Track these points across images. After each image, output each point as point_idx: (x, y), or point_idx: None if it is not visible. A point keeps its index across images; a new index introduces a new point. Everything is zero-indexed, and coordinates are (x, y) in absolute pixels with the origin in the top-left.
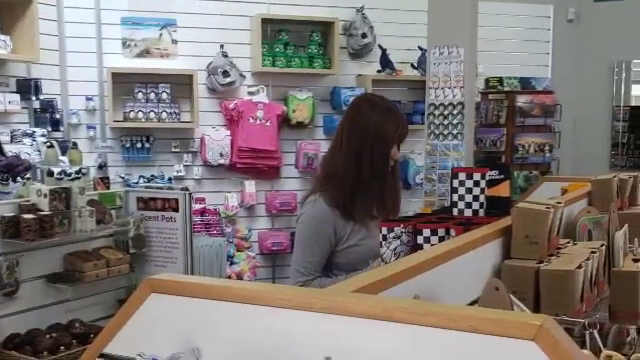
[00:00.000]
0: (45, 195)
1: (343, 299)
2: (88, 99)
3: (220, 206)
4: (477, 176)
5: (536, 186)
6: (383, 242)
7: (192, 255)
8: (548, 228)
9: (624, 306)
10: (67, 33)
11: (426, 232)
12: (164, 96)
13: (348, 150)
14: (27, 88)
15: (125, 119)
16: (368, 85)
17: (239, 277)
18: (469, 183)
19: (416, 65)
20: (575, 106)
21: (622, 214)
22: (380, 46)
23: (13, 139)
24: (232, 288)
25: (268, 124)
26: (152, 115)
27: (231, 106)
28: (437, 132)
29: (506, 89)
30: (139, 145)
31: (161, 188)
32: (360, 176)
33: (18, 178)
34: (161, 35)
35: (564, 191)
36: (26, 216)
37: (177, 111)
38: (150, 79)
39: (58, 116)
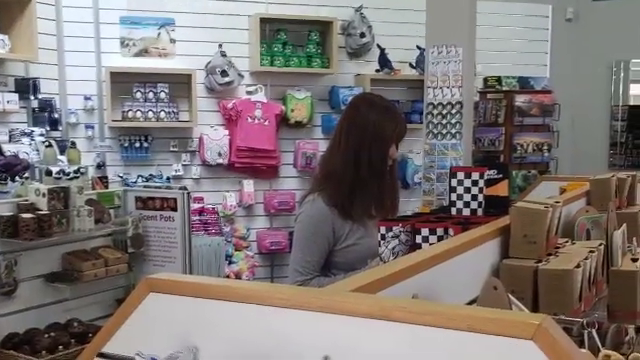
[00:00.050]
0: (43, 194)
1: (341, 298)
2: (86, 98)
3: (218, 205)
4: (475, 175)
5: (534, 185)
6: (381, 241)
7: (190, 254)
8: (546, 227)
9: (622, 305)
10: (65, 32)
11: (424, 231)
12: (162, 95)
13: (347, 149)
14: (25, 87)
15: (123, 118)
16: (366, 84)
17: (237, 276)
18: (467, 182)
19: (414, 64)
20: (573, 105)
21: (620, 213)
22: (378, 45)
23: (11, 138)
24: (230, 287)
25: (266, 123)
26: (150, 114)
27: (229, 105)
28: (436, 131)
29: (504, 88)
30: (137, 144)
31: (159, 187)
32: (358, 175)
33: (16, 177)
34: (159, 34)
35: (562, 190)
36: (24, 215)
37: (175, 110)
38: (148, 78)
39: (56, 115)
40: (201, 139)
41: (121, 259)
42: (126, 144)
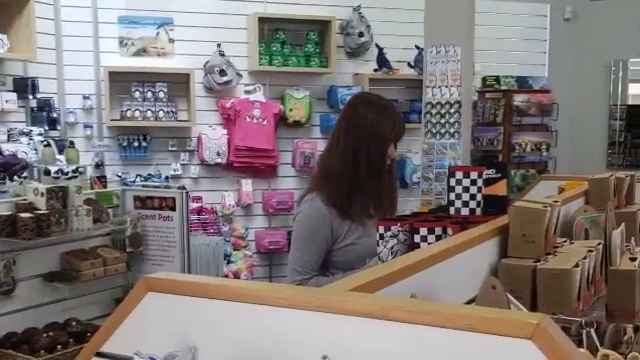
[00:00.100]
0: (42, 194)
1: (340, 298)
2: (85, 98)
3: (217, 205)
4: (474, 175)
5: (533, 185)
6: (380, 241)
7: (189, 254)
8: (545, 227)
9: (621, 305)
10: (64, 32)
11: (423, 231)
12: (161, 95)
13: (345, 149)
14: (24, 87)
15: (122, 118)
16: (365, 84)
17: (236, 276)
18: (466, 182)
19: (413, 64)
20: (572, 105)
21: (619, 213)
22: (377, 45)
23: (10, 138)
24: (229, 287)
25: (265, 123)
26: (149, 114)
27: (228, 105)
28: (434, 131)
29: (503, 88)
30: (136, 144)
31: (158, 187)
32: (357, 175)
33: (15, 177)
34: (158, 34)
35: (561, 190)
36: (23, 215)
37: (174, 110)
38: (147, 78)
39: (55, 115)
40: (200, 138)
41: (119, 258)
42: (125, 143)
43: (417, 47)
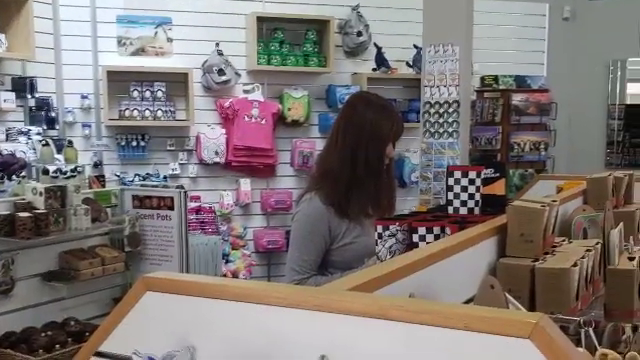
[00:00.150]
0: (40, 193)
1: (338, 297)
2: (83, 97)
3: (215, 204)
4: (472, 174)
5: (531, 184)
6: (378, 240)
7: (187, 253)
8: (543, 226)
9: (619, 304)
10: (62, 31)
11: (421, 230)
12: (159, 94)
13: (343, 148)
14: (22, 86)
15: (120, 117)
16: (363, 83)
17: (234, 275)
18: (464, 181)
19: (411, 63)
20: (570, 104)
21: (617, 212)
22: (375, 44)
23: (8, 137)
24: (227, 286)
25: (263, 122)
26: (147, 113)
27: (226, 104)
28: (432, 130)
29: (501, 87)
30: (134, 143)
31: (156, 186)
32: (355, 174)
33: (13, 176)
34: (156, 33)
35: (559, 189)
36: (21, 214)
37: (172, 109)
38: (145, 77)
39: (53, 114)
40: (198, 138)
41: (118, 258)
42: (123, 143)
43: (415, 46)
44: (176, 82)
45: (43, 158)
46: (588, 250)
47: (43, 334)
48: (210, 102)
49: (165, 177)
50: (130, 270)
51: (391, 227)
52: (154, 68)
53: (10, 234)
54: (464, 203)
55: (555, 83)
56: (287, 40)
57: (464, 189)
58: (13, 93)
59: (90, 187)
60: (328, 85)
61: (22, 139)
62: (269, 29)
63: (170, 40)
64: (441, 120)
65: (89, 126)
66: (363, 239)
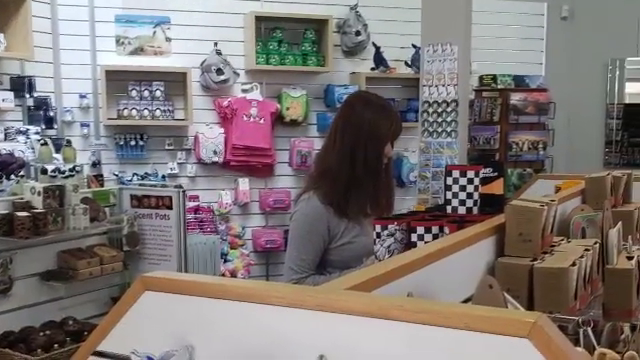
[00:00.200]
0: (39, 193)
1: (337, 297)
2: (82, 97)
3: (214, 204)
4: (471, 174)
5: (530, 184)
6: (377, 240)
7: (186, 253)
8: (542, 226)
9: (618, 304)
10: (61, 31)
11: (420, 230)
12: (158, 94)
13: (342, 148)
14: (21, 86)
15: (119, 117)
16: (362, 83)
17: (233, 275)
18: (463, 181)
19: (410, 63)
20: (569, 104)
21: (616, 212)
22: (374, 44)
23: (7, 137)
24: (226, 286)
25: (262, 122)
26: (146, 113)
27: (225, 104)
28: (431, 130)
29: (500, 87)
30: (133, 143)
31: (155, 186)
32: (354, 174)
33: (12, 176)
34: (155, 33)
35: (558, 189)
36: (20, 214)
37: (171, 109)
38: (144, 77)
39: (52, 114)
40: (196, 137)
41: (116, 257)
42: (121, 142)
43: (414, 46)
44: (174, 81)
45: (41, 157)
46: (587, 250)
47: (41, 333)
48: (208, 101)
49: (163, 176)
50: (128, 269)
51: (389, 226)
52: (152, 67)
53: (8, 233)
54: (462, 202)
55: (553, 82)
56: (285, 39)
57: (462, 188)
58: (11, 92)
59: (88, 186)
60: (326, 84)
61: (20, 138)
62: (267, 28)
63: (168, 39)
64: (439, 119)
65: (87, 125)
66: (361, 238)
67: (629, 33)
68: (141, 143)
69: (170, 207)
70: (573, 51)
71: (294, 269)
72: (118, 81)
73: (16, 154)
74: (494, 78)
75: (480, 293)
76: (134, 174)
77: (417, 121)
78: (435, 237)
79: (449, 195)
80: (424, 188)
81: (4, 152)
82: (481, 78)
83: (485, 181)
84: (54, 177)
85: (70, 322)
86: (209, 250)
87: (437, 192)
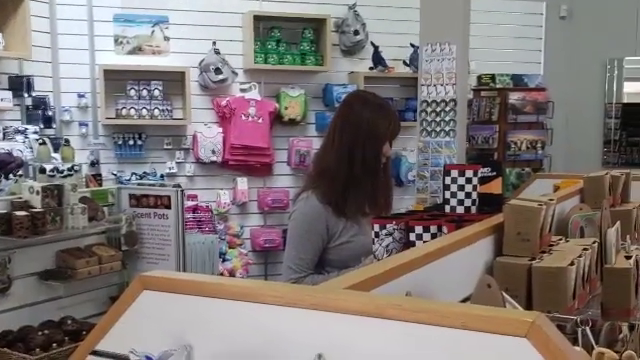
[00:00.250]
0: (37, 192)
1: (335, 296)
2: (80, 96)
3: (212, 203)
4: (469, 173)
5: (528, 183)
6: (375, 239)
7: (184, 252)
8: (540, 225)
9: (616, 303)
10: (59, 30)
11: (418, 229)
12: (156, 93)
13: (340, 147)
14: (19, 85)
15: (117, 116)
16: (360, 82)
17: (231, 274)
18: (461, 180)
19: (408, 62)
20: (567, 103)
21: (614, 211)
22: (372, 43)
23: (5, 136)
24: (224, 285)
25: (260, 121)
26: (144, 112)
27: (223, 103)
28: (429, 129)
29: (498, 86)
30: (131, 142)
31: (153, 185)
32: (352, 173)
33: (10, 175)
34: (153, 32)
35: (556, 188)
36: (18, 213)
37: (169, 108)
38: (142, 76)
39: (50, 113)
40: (195, 137)
41: (115, 257)
42: (120, 142)
43: (412, 45)
44: (173, 81)
45: (40, 157)
46: (585, 249)
47: (40, 333)
48: (207, 101)
49: (162, 176)
50: (127, 269)
51: (388, 226)
52: (151, 67)
53: (7, 233)
54: (461, 202)
55: (552, 82)
56: (284, 39)
57: (461, 188)
58: (10, 92)
59: (87, 186)
60: (325, 84)
61: (19, 138)
62: (266, 28)
63: (167, 39)
64: (438, 119)
65: (86, 125)
66: (360, 238)
67: (628, 33)
68: (139, 142)
69: (168, 206)
70: (572, 50)
71: (293, 268)
72: (116, 80)
73: (14, 153)
74: (492, 77)
75: (478, 292)
76: (132, 173)
77: (415, 120)
78: (433, 236)
79: (447, 194)
80: (422, 187)
81: (2, 151)
82: (479, 77)
83: (483, 180)
84: (52, 176)
85: (69, 321)
86: (207, 249)
87: (435, 191)
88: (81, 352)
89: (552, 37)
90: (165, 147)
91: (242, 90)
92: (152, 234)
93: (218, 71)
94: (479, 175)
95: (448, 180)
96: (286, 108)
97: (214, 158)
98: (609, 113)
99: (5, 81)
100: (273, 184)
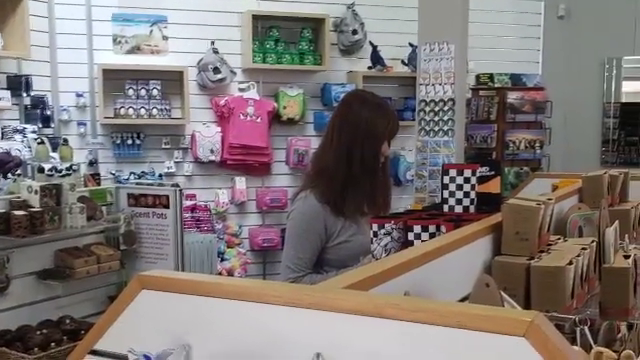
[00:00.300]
0: (36, 191)
1: (334, 295)
2: (79, 95)
3: (211, 202)
4: (468, 172)
5: (527, 182)
6: (374, 238)
7: (183, 251)
8: (539, 224)
9: (615, 302)
10: (58, 29)
11: (417, 228)
12: (155, 92)
13: (339, 146)
14: (18, 84)
15: (116, 115)
16: (359, 81)
17: (230, 273)
18: (460, 179)
19: (407, 61)
20: (566, 102)
21: (613, 210)
22: (371, 42)
23: (4, 135)
24: (223, 285)
25: (259, 120)
26: (143, 112)
27: (222, 102)
28: (428, 128)
29: (497, 85)
30: (130, 142)
31: (152, 184)
32: (351, 172)
33: (9, 174)
34: (152, 31)
35: (555, 187)
36: (17, 212)
37: (168, 107)
38: (141, 75)
39: (49, 112)
40: (193, 136)
41: (113, 256)
42: (118, 141)
43: (411, 45)
44: (171, 80)
45: (38, 156)
46: (583, 248)
47: (38, 332)
48: (205, 100)
49: (160, 175)
50: (125, 268)
51: (386, 225)
52: (149, 66)
53: (5, 232)
54: (459, 201)
55: (550, 81)
56: (282, 38)
57: (459, 187)
58: (8, 91)
59: (85, 185)
60: (323, 83)
61: (17, 137)
62: (264, 27)
63: (165, 38)
64: (436, 118)
65: (84, 124)
66: (358, 237)
67: (626, 32)
68: (138, 142)
69: (167, 206)
70: (570, 50)
71: (291, 268)
72: (115, 80)
73: (13, 153)
74: (491, 77)
75: (477, 292)
76: (131, 173)
77: (414, 120)
78: (432, 236)
79: (446, 194)
80: (421, 187)
81: (1, 151)
82: (478, 77)
83: (482, 180)
84: (51, 176)
85: (67, 321)
86: (206, 249)
87: (434, 191)
88: (79, 351)
89: (550, 36)
90: (163, 146)
91: (240, 89)
92: (150, 233)
93: (216, 70)
94: (477, 174)
95: (446, 179)
96: (284, 107)
97: (212, 157)
98: (607, 112)
99: (3, 80)
100: (271, 183)
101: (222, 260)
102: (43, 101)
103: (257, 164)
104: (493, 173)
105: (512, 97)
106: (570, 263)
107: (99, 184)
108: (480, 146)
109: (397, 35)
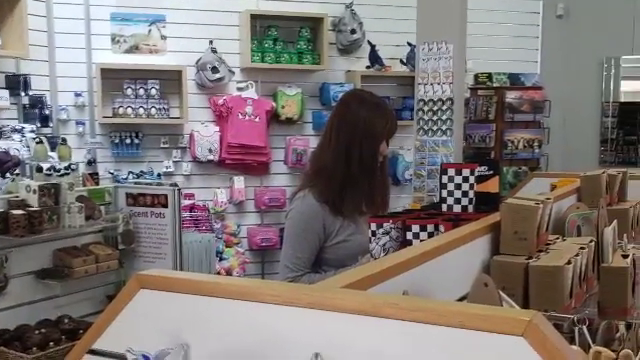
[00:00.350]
0: (34, 191)
1: (332, 295)
2: (77, 95)
3: (209, 202)
4: (466, 172)
5: (525, 182)
6: (372, 238)
7: (181, 251)
8: (537, 224)
9: (613, 302)
10: (56, 29)
11: (415, 228)
12: (153, 92)
13: (337, 146)
14: (16, 84)
15: (114, 115)
16: (357, 81)
17: (228, 273)
18: (458, 179)
19: (405, 61)
20: (564, 102)
21: (611, 210)
22: (369, 42)
23: (2, 135)
24: (221, 284)
25: (257, 120)
26: (141, 111)
27: (220, 102)
28: (426, 128)
29: (495, 85)
30: (128, 141)
31: (150, 184)
32: (349, 172)
33: (7, 174)
34: (150, 31)
35: (553, 187)
36: (15, 212)
37: (166, 107)
38: (139, 75)
39: (47, 112)
40: (192, 135)
41: (112, 255)
42: (117, 140)
43: (409, 44)
44: (170, 80)
45: (37, 156)
46: (582, 248)
47: (37, 332)
48: (204, 100)
49: (159, 175)
50: (124, 268)
51: (385, 225)
52: (148, 66)
53: (4, 232)
54: (458, 201)
55: (549, 81)
56: (281, 38)
57: (458, 187)
58: (7, 91)
59: (84, 185)
60: (322, 83)
61: (16, 137)
62: (263, 27)
63: (164, 38)
64: (435, 118)
65: (83, 124)
66: (357, 237)
67: (624, 31)
68: (136, 141)
69: (165, 205)
70: (568, 49)
71: (290, 267)
72: (113, 79)
73: (11, 152)
74: (489, 76)
75: (475, 291)
76: (129, 172)
77: (412, 119)
78: (430, 235)
79: (444, 193)
80: (419, 186)
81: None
82: (476, 76)
83: (480, 179)
84: (49, 175)
85: (65, 320)
86: (204, 248)
87: (432, 190)
88: (78, 351)
89: (549, 36)
90: (162, 146)
91: (239, 89)
92: (149, 233)
93: (215, 70)
94: (476, 174)
95: (445, 179)
96: (283, 107)
97: (211, 157)
98: (606, 112)
99: (2, 80)
100: (270, 183)
101: (220, 259)
102: (41, 100)
103: (255, 163)
104: (491, 172)
105: (510, 96)
106: (569, 263)
107: (97, 183)
108: (479, 145)
109: (395, 34)
